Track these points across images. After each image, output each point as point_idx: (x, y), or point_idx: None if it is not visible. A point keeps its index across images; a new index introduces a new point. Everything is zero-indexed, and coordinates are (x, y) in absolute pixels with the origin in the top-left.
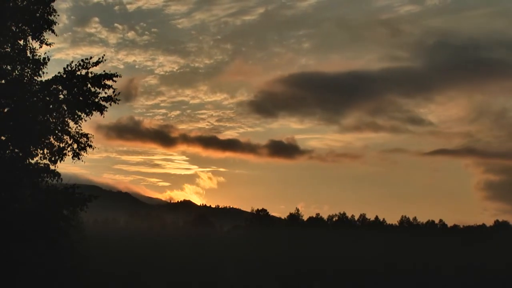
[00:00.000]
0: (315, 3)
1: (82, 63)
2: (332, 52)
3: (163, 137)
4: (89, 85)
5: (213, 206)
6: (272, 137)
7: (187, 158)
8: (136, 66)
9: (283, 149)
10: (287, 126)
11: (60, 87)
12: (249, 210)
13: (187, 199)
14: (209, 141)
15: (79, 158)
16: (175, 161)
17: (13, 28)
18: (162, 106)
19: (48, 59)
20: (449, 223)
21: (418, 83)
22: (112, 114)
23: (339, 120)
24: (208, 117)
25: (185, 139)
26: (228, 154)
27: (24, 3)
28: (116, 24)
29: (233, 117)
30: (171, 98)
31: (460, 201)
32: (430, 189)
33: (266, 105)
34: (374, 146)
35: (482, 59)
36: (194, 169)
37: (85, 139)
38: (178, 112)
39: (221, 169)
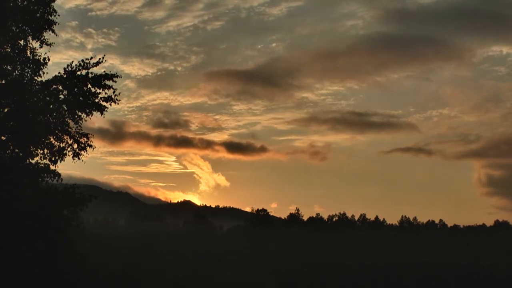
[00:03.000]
0: (286, 10)
1: (82, 63)
2: (305, 55)
3: (151, 138)
4: (89, 85)
5: (213, 206)
6: (258, 136)
7: (178, 159)
8: (114, 70)
9: (274, 148)
10: (270, 126)
11: (60, 87)
12: (249, 210)
13: (187, 199)
14: (198, 142)
15: (79, 158)
16: (168, 162)
17: (13, 28)
18: (144, 108)
19: (48, 59)
20: (449, 223)
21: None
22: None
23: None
24: (191, 118)
25: (174, 140)
26: (219, 155)
27: (24, 3)
28: (90, 29)
29: (217, 119)
30: (152, 101)
31: (452, 198)
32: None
33: (246, 105)
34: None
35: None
36: (192, 169)
37: (85, 139)
38: (161, 114)
39: (217, 170)
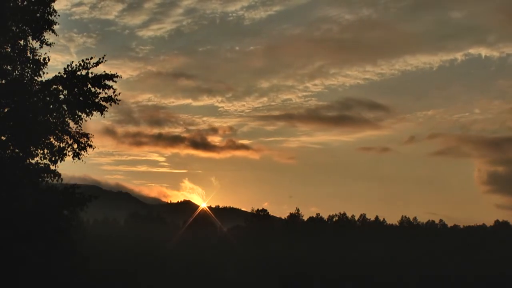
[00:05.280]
0: (264, 14)
1: (82, 63)
2: (284, 58)
3: (143, 139)
4: (89, 86)
5: (213, 206)
6: (245, 137)
7: (171, 160)
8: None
9: (263, 148)
10: (256, 127)
11: (60, 87)
12: (248, 210)
13: (187, 199)
14: (189, 143)
15: (79, 158)
16: (161, 163)
17: (14, 28)
18: (131, 110)
19: (49, 59)
20: (449, 223)
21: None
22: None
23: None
24: (178, 120)
25: (165, 140)
26: (209, 155)
27: (24, 3)
28: (72, 33)
29: (204, 120)
30: (138, 103)
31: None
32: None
33: (231, 106)
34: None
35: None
36: (188, 170)
37: (85, 139)
38: (148, 116)
39: (210, 170)
